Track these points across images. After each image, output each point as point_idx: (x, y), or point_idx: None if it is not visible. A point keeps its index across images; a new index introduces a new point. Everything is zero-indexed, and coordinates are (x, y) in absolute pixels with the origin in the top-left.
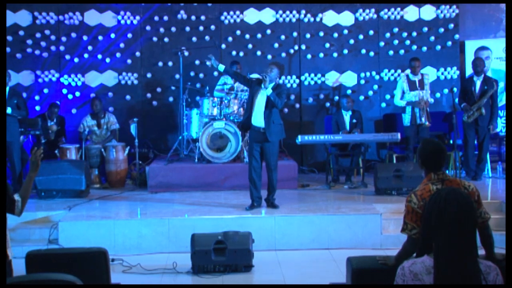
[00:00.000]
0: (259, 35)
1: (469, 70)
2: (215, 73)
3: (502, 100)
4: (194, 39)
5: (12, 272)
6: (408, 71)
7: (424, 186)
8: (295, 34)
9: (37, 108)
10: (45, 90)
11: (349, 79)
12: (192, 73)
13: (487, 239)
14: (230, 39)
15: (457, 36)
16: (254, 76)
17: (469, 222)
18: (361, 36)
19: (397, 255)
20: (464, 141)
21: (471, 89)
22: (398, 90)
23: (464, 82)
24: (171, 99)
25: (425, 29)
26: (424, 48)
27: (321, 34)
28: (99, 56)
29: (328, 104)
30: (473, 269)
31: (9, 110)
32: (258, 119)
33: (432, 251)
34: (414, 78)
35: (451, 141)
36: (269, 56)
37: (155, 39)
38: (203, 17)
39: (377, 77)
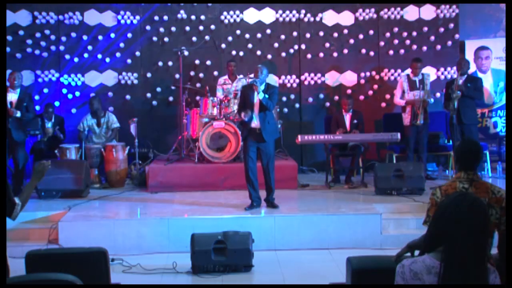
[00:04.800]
0: (259, 35)
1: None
2: (215, 73)
3: (502, 100)
4: (194, 39)
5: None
6: (409, 71)
7: (451, 183)
8: (295, 34)
9: (37, 108)
10: (45, 90)
11: (349, 79)
12: (192, 73)
13: (505, 248)
14: (230, 39)
15: (457, 36)
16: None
17: (486, 233)
18: (361, 36)
19: (411, 243)
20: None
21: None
22: (398, 89)
23: (447, 85)
24: (171, 99)
25: (425, 29)
26: (424, 48)
27: (321, 34)
28: (99, 56)
29: (328, 104)
30: (481, 274)
31: (19, 114)
32: (254, 121)
33: (433, 251)
34: (415, 78)
35: (451, 141)
36: (269, 56)
37: (155, 39)
38: (203, 17)
39: (377, 77)
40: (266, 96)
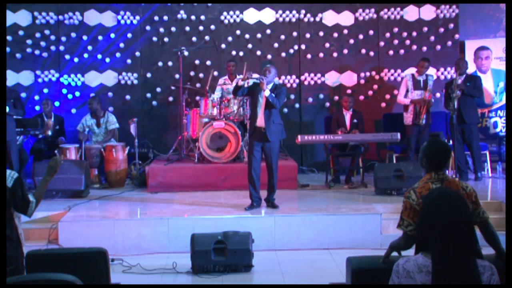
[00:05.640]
0: (259, 35)
1: (468, 70)
2: (215, 73)
3: (502, 100)
4: (194, 39)
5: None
6: (413, 70)
7: (424, 184)
8: (295, 34)
9: (37, 108)
10: (45, 90)
11: (349, 79)
12: (192, 73)
13: (490, 236)
14: (230, 39)
15: (457, 36)
16: (255, 75)
17: (463, 223)
18: (361, 36)
19: (392, 244)
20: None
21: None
22: (403, 88)
23: (446, 85)
24: (171, 99)
25: (425, 29)
26: (424, 48)
27: (321, 34)
28: (99, 56)
29: (328, 104)
30: (470, 270)
31: (7, 109)
32: (259, 120)
33: (426, 250)
34: (419, 78)
35: (451, 141)
36: (269, 56)
37: (155, 39)
38: (203, 17)
39: (377, 77)
40: (273, 94)
